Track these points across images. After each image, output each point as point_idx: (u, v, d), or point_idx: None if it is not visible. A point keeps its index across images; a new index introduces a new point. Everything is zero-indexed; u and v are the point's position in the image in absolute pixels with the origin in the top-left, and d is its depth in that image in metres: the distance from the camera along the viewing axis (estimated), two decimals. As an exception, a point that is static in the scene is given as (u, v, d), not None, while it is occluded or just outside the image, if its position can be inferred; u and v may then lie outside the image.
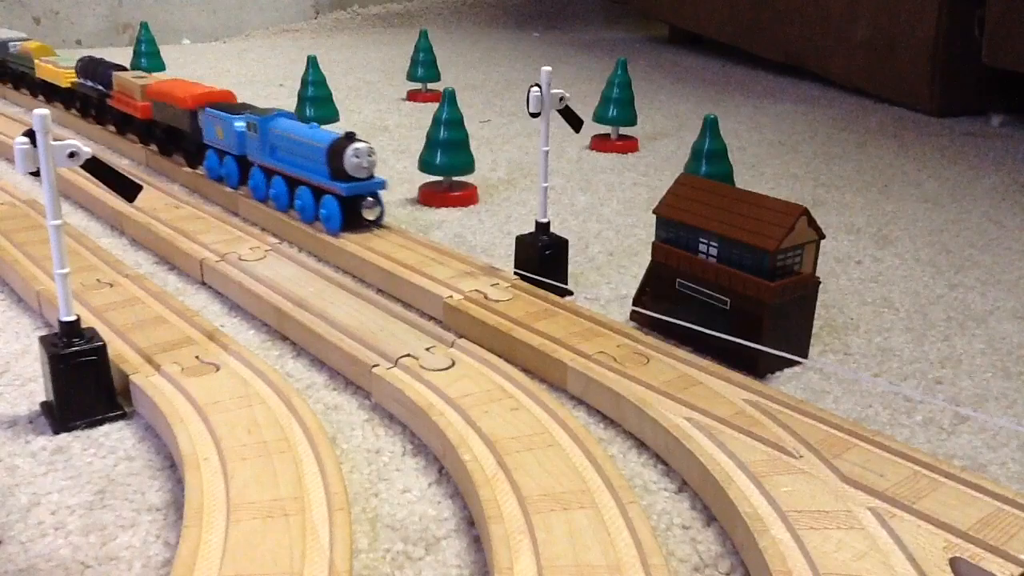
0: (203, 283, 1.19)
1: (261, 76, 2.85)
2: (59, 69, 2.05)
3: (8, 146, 1.75)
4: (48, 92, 2.17)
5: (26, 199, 1.42)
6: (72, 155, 0.80)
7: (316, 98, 1.95)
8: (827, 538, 0.66)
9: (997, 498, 0.70)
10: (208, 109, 1.48)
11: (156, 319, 1.00)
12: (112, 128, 1.89)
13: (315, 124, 1.33)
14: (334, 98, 2.02)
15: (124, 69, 1.85)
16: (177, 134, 1.62)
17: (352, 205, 1.26)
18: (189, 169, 1.60)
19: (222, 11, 3.90)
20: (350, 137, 1.25)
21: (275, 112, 1.40)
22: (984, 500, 0.70)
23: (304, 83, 1.97)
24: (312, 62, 1.98)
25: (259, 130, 1.36)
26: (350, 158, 1.23)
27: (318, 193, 1.28)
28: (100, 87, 1.88)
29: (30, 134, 0.79)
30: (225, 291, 1.15)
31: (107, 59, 1.93)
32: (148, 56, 2.45)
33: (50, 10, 3.54)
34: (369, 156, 1.24)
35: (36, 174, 0.80)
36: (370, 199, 1.27)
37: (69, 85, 2.01)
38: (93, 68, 1.90)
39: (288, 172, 1.33)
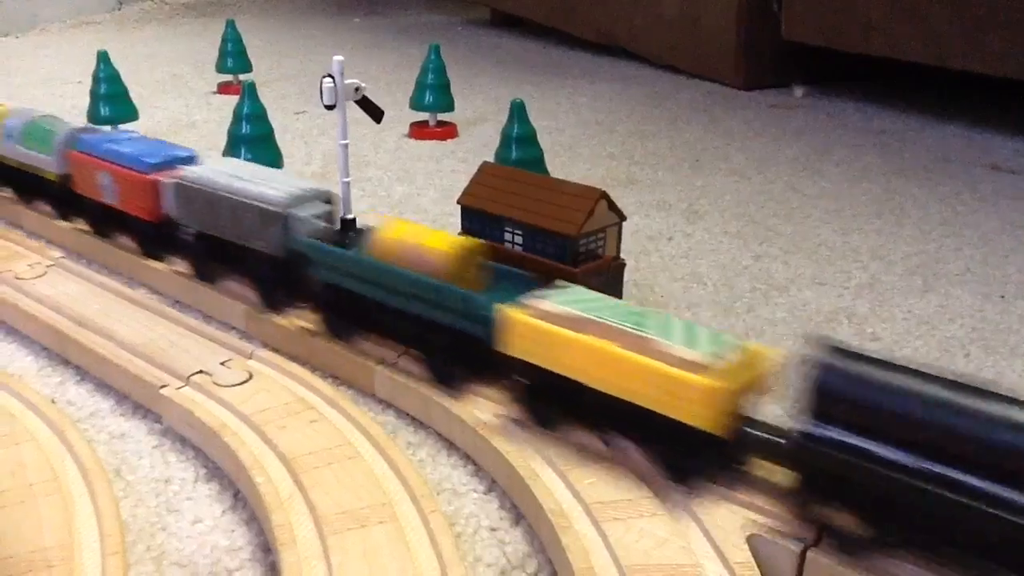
0: (-26, 307, 1.08)
1: (58, 74, 2.64)
2: None
3: None
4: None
5: None
6: None
7: (110, 95, 1.82)
8: (629, 528, 0.65)
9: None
10: None
11: (-89, 354, 0.90)
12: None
13: None
14: (138, 95, 1.90)
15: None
16: None
17: None
18: None
19: (8, 2, 3.60)
20: None
21: None
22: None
23: (96, 80, 1.83)
24: (103, 57, 1.84)
25: None
26: None
27: None
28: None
29: None
30: (-1, 315, 1.05)
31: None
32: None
33: None
34: None
35: None
36: None
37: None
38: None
39: None
